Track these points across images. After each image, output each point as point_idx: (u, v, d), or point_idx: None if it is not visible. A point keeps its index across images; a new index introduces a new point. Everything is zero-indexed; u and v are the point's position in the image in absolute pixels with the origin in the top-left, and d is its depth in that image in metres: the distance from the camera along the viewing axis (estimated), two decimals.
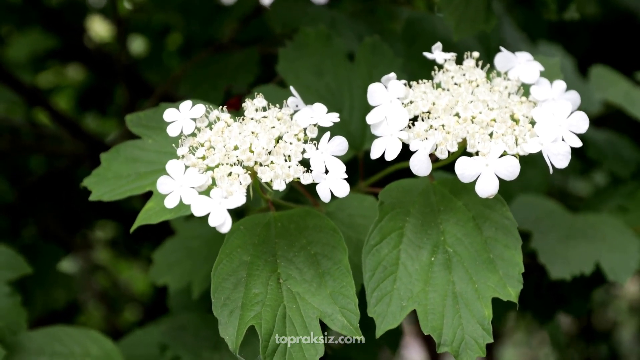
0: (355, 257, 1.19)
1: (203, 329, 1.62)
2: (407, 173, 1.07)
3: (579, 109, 1.10)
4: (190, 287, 1.61)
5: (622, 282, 1.60)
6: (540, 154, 1.04)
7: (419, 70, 1.62)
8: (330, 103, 1.39)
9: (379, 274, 1.08)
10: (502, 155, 1.01)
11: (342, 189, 1.00)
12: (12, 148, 2.48)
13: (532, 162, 1.82)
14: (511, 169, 1.00)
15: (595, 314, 3.58)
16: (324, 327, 1.05)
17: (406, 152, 1.05)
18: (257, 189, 1.07)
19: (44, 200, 2.71)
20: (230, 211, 0.96)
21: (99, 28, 3.21)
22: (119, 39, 2.42)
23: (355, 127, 1.38)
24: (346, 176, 1.01)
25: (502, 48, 1.16)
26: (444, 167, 1.15)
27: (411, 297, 1.07)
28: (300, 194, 1.30)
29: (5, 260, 1.49)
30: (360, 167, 1.37)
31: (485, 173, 1.00)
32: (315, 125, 1.06)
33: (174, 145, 1.05)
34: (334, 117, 1.07)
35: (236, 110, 1.47)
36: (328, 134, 1.03)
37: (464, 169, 1.01)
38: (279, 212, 1.13)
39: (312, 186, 1.02)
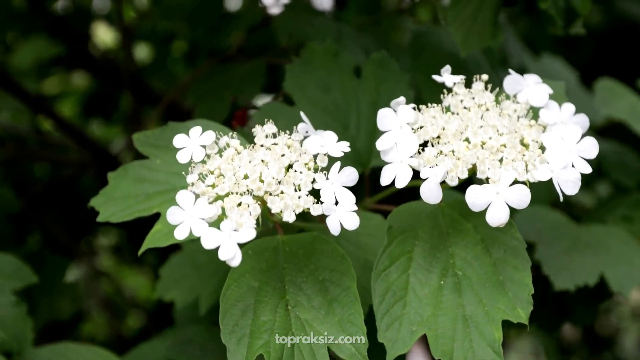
0: (363, 277, 1.19)
1: (209, 342, 1.61)
2: (414, 190, 1.06)
3: None
4: (196, 300, 1.60)
5: (626, 295, 1.59)
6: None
7: (425, 83, 1.63)
8: (337, 119, 1.39)
9: (389, 299, 1.07)
10: (513, 183, 1.01)
11: (352, 222, 1.00)
12: (17, 156, 2.48)
13: None
14: (522, 198, 1.00)
15: (599, 320, 3.57)
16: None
17: (414, 170, 1.06)
18: (266, 213, 1.06)
19: (49, 207, 2.70)
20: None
21: (104, 35, 3.21)
22: (124, 46, 2.42)
23: (362, 144, 1.37)
24: (356, 208, 1.01)
25: (511, 71, 1.16)
26: (453, 188, 1.14)
27: (421, 321, 1.06)
28: (307, 212, 1.30)
29: (11, 269, 1.49)
30: (367, 183, 1.36)
31: (496, 202, 1.00)
32: (325, 154, 1.05)
33: (183, 172, 1.05)
34: (345, 147, 1.06)
35: (242, 126, 1.48)
36: (338, 164, 1.03)
37: (475, 197, 1.00)
38: (287, 236, 1.13)
39: (325, 219, 1.02)
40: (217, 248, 0.95)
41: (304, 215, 1.31)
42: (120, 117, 3.07)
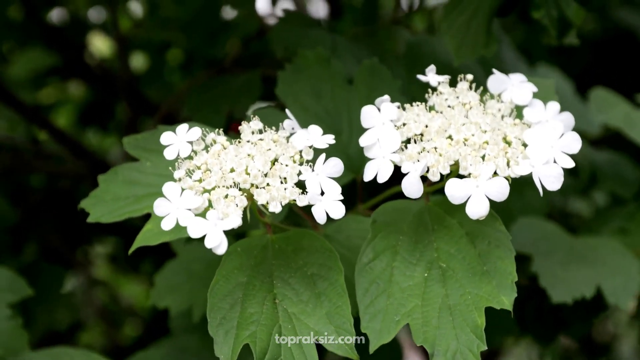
0: (353, 278, 1.19)
1: (204, 351, 1.62)
2: (405, 196, 1.07)
3: (577, 130, 1.10)
4: (191, 308, 1.60)
5: (623, 306, 1.60)
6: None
7: (420, 93, 1.63)
8: (329, 126, 1.39)
9: (373, 291, 1.09)
10: (492, 177, 1.01)
11: (338, 211, 1.01)
12: (14, 166, 2.48)
13: (532, 184, 1.82)
14: (501, 190, 1.00)
15: (596, 327, 3.57)
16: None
17: (403, 176, 1.06)
18: (255, 213, 1.07)
19: (45, 217, 2.70)
20: (228, 235, 0.97)
21: (100, 44, 3.22)
22: (119, 55, 2.43)
23: (354, 150, 1.38)
24: (342, 197, 1.01)
25: (494, 70, 1.17)
26: (441, 190, 1.15)
27: (405, 312, 1.07)
28: (300, 217, 1.30)
29: (6, 282, 1.49)
30: (359, 190, 1.37)
31: (476, 194, 1.01)
32: (310, 147, 1.06)
33: (171, 168, 1.06)
34: (330, 139, 1.07)
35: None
36: (323, 155, 1.04)
37: (453, 190, 1.01)
38: (276, 235, 1.14)
39: (311, 209, 1.02)
40: (204, 237, 0.96)
41: (297, 221, 1.32)
42: (116, 126, 3.07)
